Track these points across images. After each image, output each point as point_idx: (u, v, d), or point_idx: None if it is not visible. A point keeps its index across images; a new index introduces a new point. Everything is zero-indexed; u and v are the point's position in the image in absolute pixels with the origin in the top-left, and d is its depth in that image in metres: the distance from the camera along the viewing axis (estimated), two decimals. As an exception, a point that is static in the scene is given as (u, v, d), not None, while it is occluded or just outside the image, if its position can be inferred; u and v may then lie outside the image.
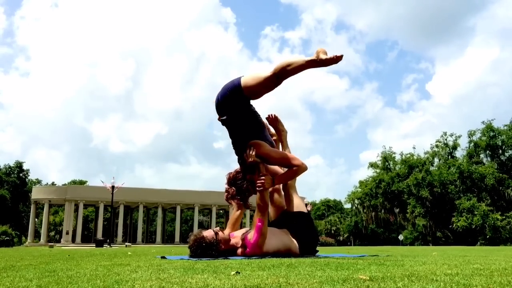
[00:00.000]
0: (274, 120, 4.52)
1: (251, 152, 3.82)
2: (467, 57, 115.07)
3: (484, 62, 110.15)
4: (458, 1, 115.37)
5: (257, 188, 3.83)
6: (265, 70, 3.80)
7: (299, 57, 3.74)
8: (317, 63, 3.57)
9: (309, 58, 3.61)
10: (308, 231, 4.19)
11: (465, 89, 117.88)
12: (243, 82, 3.75)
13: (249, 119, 3.96)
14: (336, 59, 3.55)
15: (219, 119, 4.00)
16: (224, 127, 4.06)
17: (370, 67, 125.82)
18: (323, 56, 3.53)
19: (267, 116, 4.47)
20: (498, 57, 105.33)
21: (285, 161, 4.01)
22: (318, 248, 4.53)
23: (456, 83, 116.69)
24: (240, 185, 3.96)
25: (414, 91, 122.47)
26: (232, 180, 4.01)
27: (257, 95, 3.86)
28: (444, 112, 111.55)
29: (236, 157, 4.07)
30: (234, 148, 4.05)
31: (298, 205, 4.22)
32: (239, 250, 3.84)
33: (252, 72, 3.88)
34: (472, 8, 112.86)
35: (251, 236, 3.79)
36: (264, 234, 3.77)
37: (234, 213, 4.33)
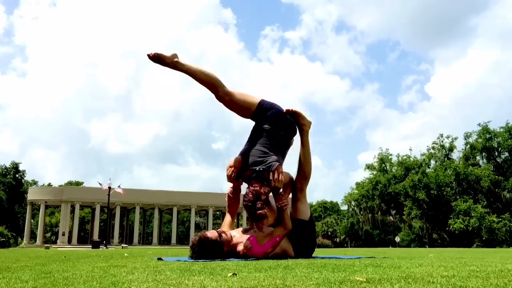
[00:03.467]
0: (295, 116, 4.33)
1: (279, 178, 3.87)
2: (468, 58, 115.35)
3: (485, 63, 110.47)
4: (459, 2, 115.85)
5: (283, 207, 3.97)
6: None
7: None
8: None
9: None
10: (306, 238, 4.20)
11: (466, 90, 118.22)
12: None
13: (288, 144, 4.31)
14: None
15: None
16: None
17: (371, 68, 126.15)
18: None
19: (286, 109, 4.31)
20: (499, 59, 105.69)
21: (290, 181, 4.22)
22: (315, 249, 4.55)
23: (457, 84, 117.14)
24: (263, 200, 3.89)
25: (415, 92, 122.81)
26: (266, 197, 3.88)
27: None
28: (445, 113, 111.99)
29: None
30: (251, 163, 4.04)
31: (303, 212, 4.20)
32: (240, 248, 3.80)
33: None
34: (473, 9, 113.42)
35: (262, 242, 3.81)
36: (275, 248, 3.85)
37: (227, 217, 4.36)
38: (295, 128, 4.26)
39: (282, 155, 4.18)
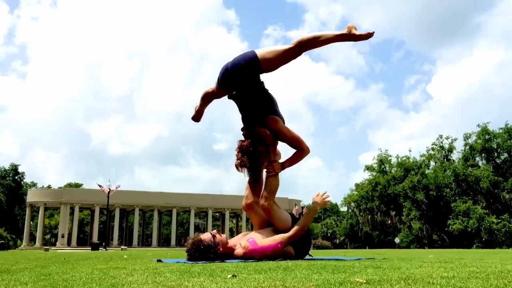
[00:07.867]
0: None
1: (269, 127, 3.84)
2: (473, 58, 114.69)
3: (490, 63, 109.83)
4: (465, 1, 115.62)
5: (268, 174, 3.87)
6: (283, 45, 3.88)
7: (328, 31, 3.81)
8: (348, 37, 3.63)
9: (339, 32, 3.67)
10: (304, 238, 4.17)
11: (470, 90, 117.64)
12: (260, 55, 3.80)
13: (262, 92, 4.01)
14: (367, 36, 3.61)
15: (229, 95, 4.04)
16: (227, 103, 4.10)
17: (376, 67, 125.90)
18: (355, 31, 3.61)
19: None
20: (503, 58, 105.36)
21: (296, 141, 3.99)
22: (314, 251, 4.53)
23: (461, 84, 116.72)
24: (253, 155, 3.82)
25: (420, 92, 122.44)
26: (245, 149, 3.83)
27: (274, 68, 3.91)
28: (450, 113, 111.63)
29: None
30: (244, 123, 4.04)
31: (284, 221, 4.05)
32: (238, 250, 3.80)
33: (267, 47, 3.89)
34: (478, 9, 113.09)
35: (262, 243, 3.76)
36: (275, 254, 3.76)
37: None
38: (245, 68, 3.84)
39: (265, 104, 3.97)
